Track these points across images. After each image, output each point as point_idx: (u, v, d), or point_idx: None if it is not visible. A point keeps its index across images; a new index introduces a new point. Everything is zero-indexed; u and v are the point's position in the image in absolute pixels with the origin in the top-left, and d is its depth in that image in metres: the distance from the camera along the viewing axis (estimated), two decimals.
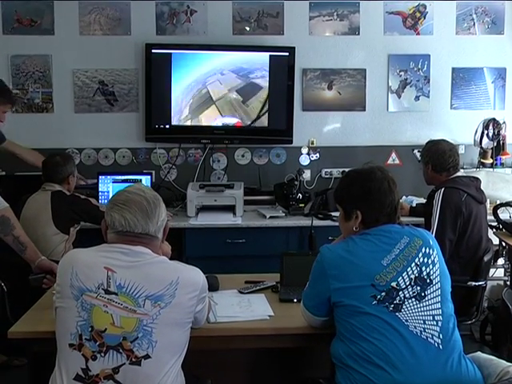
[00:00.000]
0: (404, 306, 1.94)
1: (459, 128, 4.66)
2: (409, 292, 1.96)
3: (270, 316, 2.34)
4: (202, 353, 2.16)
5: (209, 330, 2.16)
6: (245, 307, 2.43)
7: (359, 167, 2.23)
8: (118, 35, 4.50)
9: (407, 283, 1.96)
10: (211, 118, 4.47)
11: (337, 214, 3.99)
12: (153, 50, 4.39)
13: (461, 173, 3.57)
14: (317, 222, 4.03)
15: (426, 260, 2.01)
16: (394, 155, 4.68)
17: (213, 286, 2.52)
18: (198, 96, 4.44)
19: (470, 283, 3.26)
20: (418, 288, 1.97)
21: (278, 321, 2.29)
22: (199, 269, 2.01)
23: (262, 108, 4.47)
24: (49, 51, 4.48)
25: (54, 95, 4.52)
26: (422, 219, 3.60)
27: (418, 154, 4.56)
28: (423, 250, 2.02)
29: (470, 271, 3.29)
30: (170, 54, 4.41)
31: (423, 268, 1.99)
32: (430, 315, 1.95)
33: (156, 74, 4.41)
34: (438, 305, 1.97)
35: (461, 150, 4.42)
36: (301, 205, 4.24)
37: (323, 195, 4.24)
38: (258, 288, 2.66)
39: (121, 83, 4.54)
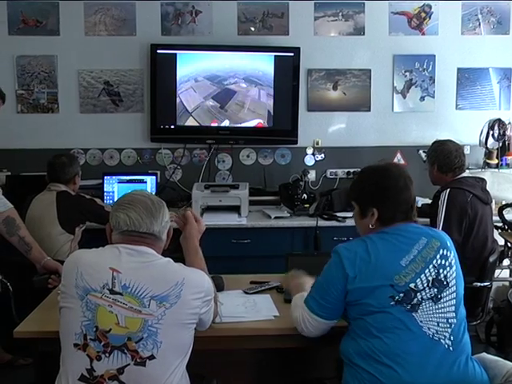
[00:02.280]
0: (421, 307, 1.93)
1: (464, 128, 4.65)
2: (426, 294, 1.94)
3: (275, 316, 2.34)
4: (207, 353, 2.16)
5: (214, 330, 2.15)
6: (250, 307, 2.42)
7: (374, 164, 2.21)
8: (123, 36, 4.50)
9: (425, 285, 1.94)
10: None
11: (342, 214, 4.08)
12: (158, 51, 4.40)
13: (466, 173, 3.56)
14: (322, 223, 4.03)
15: (443, 262, 1.99)
16: (399, 155, 4.67)
17: (218, 287, 2.51)
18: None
19: (475, 284, 3.25)
20: (435, 290, 1.95)
21: (282, 321, 2.29)
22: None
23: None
24: (54, 52, 4.49)
25: (60, 96, 4.53)
26: (428, 219, 3.59)
27: (423, 155, 4.55)
28: (441, 251, 2.00)
29: (476, 272, 3.28)
30: (175, 54, 4.42)
31: (440, 270, 1.97)
32: (444, 318, 1.94)
33: (161, 74, 4.42)
34: (453, 308, 1.96)
35: (466, 151, 4.40)
36: (306, 205, 4.23)
37: (328, 196, 4.23)
38: (262, 288, 2.66)
39: (126, 83, 4.55)
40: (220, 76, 4.44)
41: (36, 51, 4.47)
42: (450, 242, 2.06)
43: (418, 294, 1.93)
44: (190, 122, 4.46)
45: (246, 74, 4.44)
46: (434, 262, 1.97)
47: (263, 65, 4.46)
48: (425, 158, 4.40)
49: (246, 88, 4.45)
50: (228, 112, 4.47)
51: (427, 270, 1.96)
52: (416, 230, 2.05)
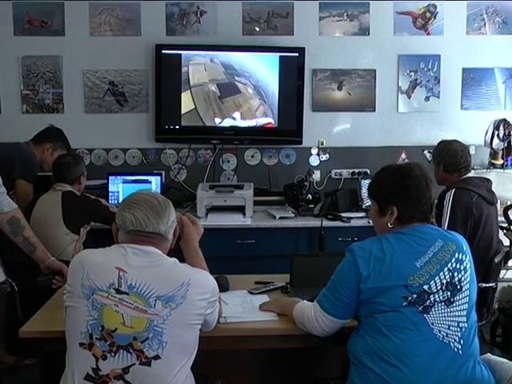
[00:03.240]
0: (433, 309, 1.93)
1: (469, 129, 4.64)
2: (439, 296, 1.94)
3: (279, 316, 2.34)
4: (211, 353, 2.16)
5: (218, 331, 2.16)
6: (255, 308, 2.42)
7: (395, 163, 2.23)
8: (128, 36, 4.51)
9: (438, 287, 1.94)
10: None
11: (347, 214, 4.08)
12: (163, 51, 4.41)
13: (472, 174, 3.56)
14: (327, 223, 4.02)
15: (458, 266, 1.99)
16: (403, 156, 4.66)
17: (223, 287, 2.52)
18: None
19: (480, 285, 3.23)
20: (449, 293, 1.95)
21: (287, 321, 2.29)
22: (209, 269, 2.02)
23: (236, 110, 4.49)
24: (59, 52, 4.50)
25: (65, 96, 4.54)
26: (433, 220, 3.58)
27: (428, 155, 4.55)
28: (456, 255, 2.00)
29: (481, 273, 3.27)
30: (180, 54, 4.42)
31: (455, 274, 1.97)
32: (455, 321, 1.94)
33: (166, 74, 4.42)
34: (465, 312, 1.97)
35: (471, 151, 4.37)
36: (311, 205, 4.23)
37: (333, 196, 4.23)
38: (267, 289, 2.66)
39: (131, 84, 4.55)
40: (236, 70, 4.45)
41: (41, 51, 4.48)
42: (466, 246, 2.06)
43: (431, 296, 1.93)
44: (186, 100, 4.43)
45: (251, 74, 4.45)
46: (449, 265, 1.97)
47: (268, 65, 4.46)
48: (430, 159, 4.41)
49: (250, 92, 4.46)
50: (224, 105, 4.46)
51: (442, 273, 1.96)
52: (433, 231, 2.06)
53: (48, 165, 3.81)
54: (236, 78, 4.45)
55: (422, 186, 2.06)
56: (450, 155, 3.49)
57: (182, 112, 4.45)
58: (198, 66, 4.44)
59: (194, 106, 4.46)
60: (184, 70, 4.42)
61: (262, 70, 4.46)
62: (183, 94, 4.45)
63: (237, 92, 4.47)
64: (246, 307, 2.44)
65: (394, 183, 2.08)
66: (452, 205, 3.31)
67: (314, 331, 2.12)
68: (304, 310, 2.16)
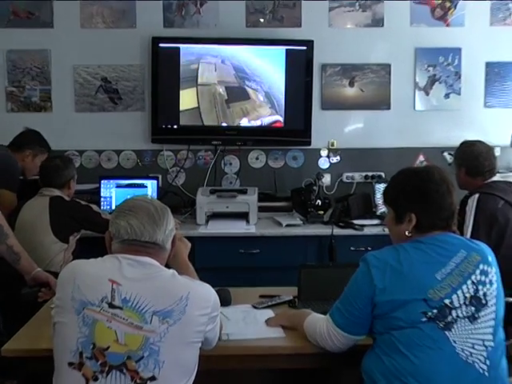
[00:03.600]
0: (455, 326, 1.91)
1: (494, 128, 4.63)
2: (462, 312, 1.92)
3: (286, 333, 2.32)
4: (212, 373, 2.15)
5: (220, 349, 2.14)
6: (260, 323, 2.41)
7: (413, 166, 2.21)
8: (122, 28, 4.52)
9: (461, 302, 1.92)
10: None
11: (360, 222, 4.07)
12: (160, 44, 4.41)
13: (497, 177, 3.54)
14: (337, 231, 4.01)
15: (483, 278, 1.97)
16: (421, 158, 4.65)
17: (225, 301, 2.51)
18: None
19: (507, 299, 3.21)
20: (473, 308, 1.93)
21: (295, 339, 2.27)
22: (210, 282, 2.01)
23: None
24: (47, 46, 4.51)
25: (53, 93, 4.55)
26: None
27: (448, 157, 4.54)
28: (481, 266, 1.98)
29: (508, 285, 3.25)
30: (179, 48, 4.42)
31: (480, 287, 1.95)
32: (480, 339, 1.92)
33: (163, 69, 4.43)
34: (491, 329, 1.94)
35: (496, 153, 4.35)
36: (320, 212, 4.22)
37: (345, 201, 4.22)
38: (273, 303, 2.64)
39: (125, 80, 4.56)
40: (247, 74, 4.45)
41: (28, 45, 4.49)
42: (491, 257, 2.04)
43: (454, 311, 1.91)
44: (189, 97, 4.44)
45: (263, 79, 4.46)
46: (473, 277, 1.95)
47: (274, 59, 4.45)
48: (450, 161, 4.39)
49: (260, 100, 4.48)
50: (230, 110, 4.47)
51: (465, 286, 1.93)
52: (455, 241, 2.04)
53: (30, 171, 3.83)
54: (247, 83, 4.46)
55: (443, 191, 2.04)
56: (473, 157, 3.48)
57: (182, 109, 4.46)
58: (209, 66, 4.45)
59: (197, 105, 4.47)
60: (194, 67, 4.42)
61: (271, 71, 4.46)
62: (187, 91, 4.45)
63: (246, 98, 4.48)
64: (249, 323, 2.43)
65: (413, 188, 2.06)
66: (475, 211, 3.29)
67: (327, 347, 2.12)
68: (316, 323, 2.16)
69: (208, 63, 4.45)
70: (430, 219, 2.04)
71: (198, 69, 4.44)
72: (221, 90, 4.47)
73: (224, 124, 4.49)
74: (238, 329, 2.34)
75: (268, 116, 4.49)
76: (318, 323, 2.14)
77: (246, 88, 4.47)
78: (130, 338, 1.80)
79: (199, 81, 4.45)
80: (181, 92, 4.44)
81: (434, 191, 2.04)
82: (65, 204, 3.61)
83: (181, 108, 4.46)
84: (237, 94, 4.48)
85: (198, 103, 4.46)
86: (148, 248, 1.95)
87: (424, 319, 1.90)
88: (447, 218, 2.06)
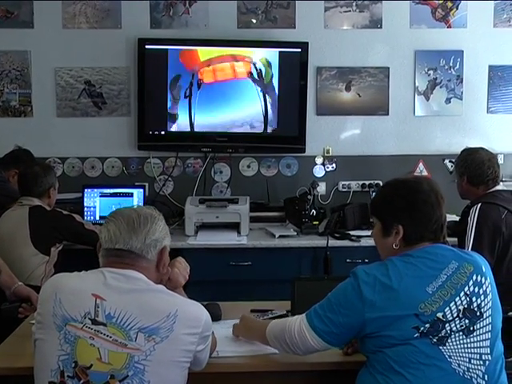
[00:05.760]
0: (449, 340, 1.91)
1: (497, 134, 4.66)
2: (456, 325, 1.93)
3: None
4: None
5: (209, 367, 2.13)
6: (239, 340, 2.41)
7: (400, 177, 2.23)
8: (106, 29, 4.53)
9: (455, 315, 1.93)
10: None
11: (356, 233, 4.08)
12: (146, 46, 4.42)
13: (500, 186, 3.55)
14: (333, 242, 4.02)
15: (476, 290, 1.97)
16: (421, 166, 4.67)
17: (215, 316, 2.50)
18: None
19: (510, 314, 3.24)
20: (467, 321, 1.94)
21: (289, 355, 2.27)
22: (199, 295, 2.01)
23: None
24: (27, 47, 4.52)
25: (33, 97, 4.55)
26: (455, 239, 3.58)
27: (449, 165, 4.56)
28: (474, 277, 1.98)
29: (511, 300, 3.27)
30: (166, 50, 4.44)
31: (473, 298, 1.96)
32: (476, 353, 1.93)
33: (150, 72, 4.44)
34: (487, 342, 1.95)
35: (499, 160, 4.38)
36: (315, 222, 4.23)
37: (340, 211, 4.23)
38: (266, 318, 2.64)
39: (110, 83, 4.56)
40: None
41: (6, 46, 4.50)
42: (485, 267, 2.05)
43: (447, 324, 1.92)
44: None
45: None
46: (466, 289, 1.96)
47: (266, 62, 4.47)
48: (451, 169, 4.42)
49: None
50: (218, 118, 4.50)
51: (458, 298, 1.94)
52: (445, 252, 2.04)
53: (16, 192, 3.82)
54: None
55: (432, 202, 2.06)
56: (476, 165, 3.49)
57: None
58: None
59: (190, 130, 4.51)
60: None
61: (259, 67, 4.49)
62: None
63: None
64: (240, 339, 2.42)
65: (400, 199, 2.08)
66: (477, 222, 3.30)
67: (292, 347, 2.09)
68: (284, 322, 2.14)
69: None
70: (418, 231, 2.05)
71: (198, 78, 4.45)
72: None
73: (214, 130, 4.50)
74: (228, 345, 2.34)
75: (260, 122, 4.51)
76: (288, 321, 2.12)
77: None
78: (113, 356, 1.80)
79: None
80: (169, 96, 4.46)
81: (422, 202, 2.05)
82: (45, 214, 3.60)
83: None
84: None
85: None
86: (124, 258, 1.93)
87: (416, 335, 1.91)
88: (435, 231, 2.07)
